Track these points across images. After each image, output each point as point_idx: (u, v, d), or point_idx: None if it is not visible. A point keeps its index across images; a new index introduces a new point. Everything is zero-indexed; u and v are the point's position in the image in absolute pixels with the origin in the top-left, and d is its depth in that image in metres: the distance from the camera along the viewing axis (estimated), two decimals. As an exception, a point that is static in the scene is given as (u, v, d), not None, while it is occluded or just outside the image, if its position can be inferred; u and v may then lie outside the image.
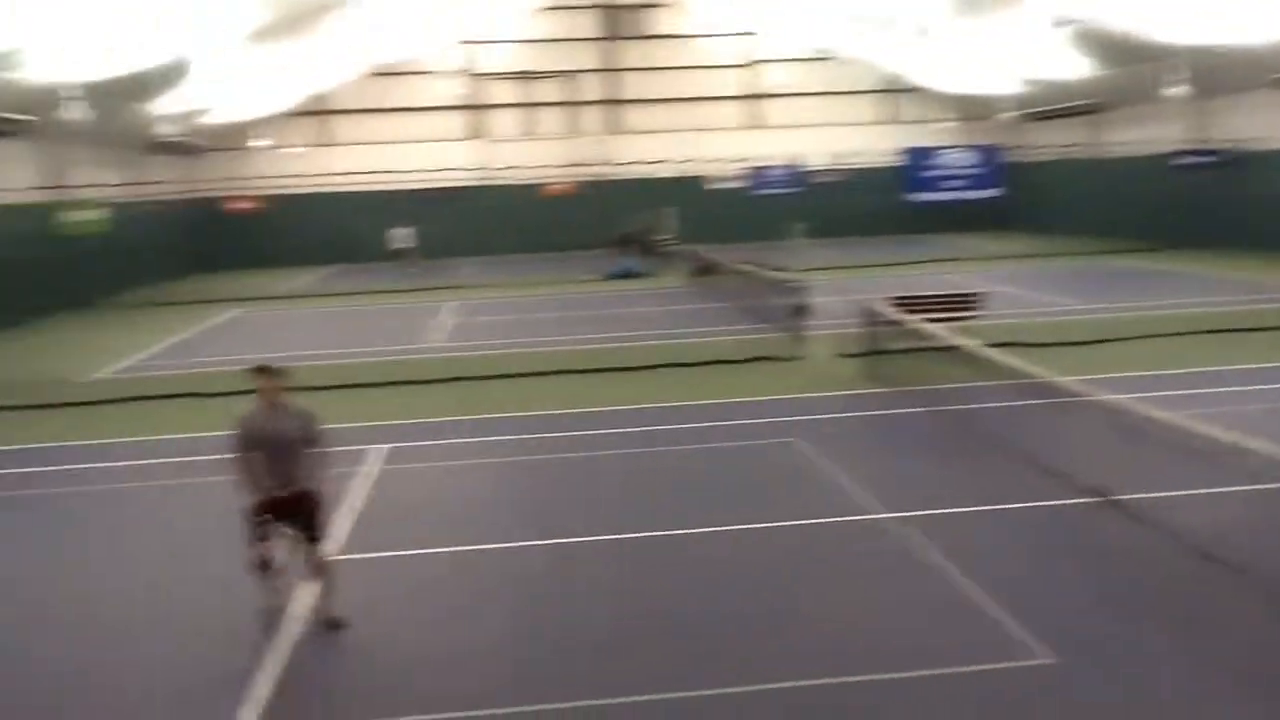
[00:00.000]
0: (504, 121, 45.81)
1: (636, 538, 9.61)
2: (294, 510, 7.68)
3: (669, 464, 12.07)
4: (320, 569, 7.88)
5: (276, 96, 39.03)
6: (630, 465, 12.07)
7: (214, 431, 13.87)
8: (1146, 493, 9.47)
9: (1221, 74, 31.46)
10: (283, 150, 41.93)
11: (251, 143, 40.61)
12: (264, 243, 44.01)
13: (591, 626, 7.74)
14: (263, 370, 7.79)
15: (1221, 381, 14.73)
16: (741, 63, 46.39)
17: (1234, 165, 33.71)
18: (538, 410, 14.93)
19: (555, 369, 17.74)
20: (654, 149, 45.78)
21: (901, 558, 8.79)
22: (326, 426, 7.86)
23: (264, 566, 7.70)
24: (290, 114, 42.30)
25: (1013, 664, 6.84)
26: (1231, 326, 18.90)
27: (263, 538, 7.66)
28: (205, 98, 33.35)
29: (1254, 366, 15.59)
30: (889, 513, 9.82)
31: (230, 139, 41.91)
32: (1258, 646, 6.93)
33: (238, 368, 18.49)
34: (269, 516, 7.64)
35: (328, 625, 7.81)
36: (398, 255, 37.80)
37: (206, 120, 36.80)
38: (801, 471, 11.45)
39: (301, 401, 7.80)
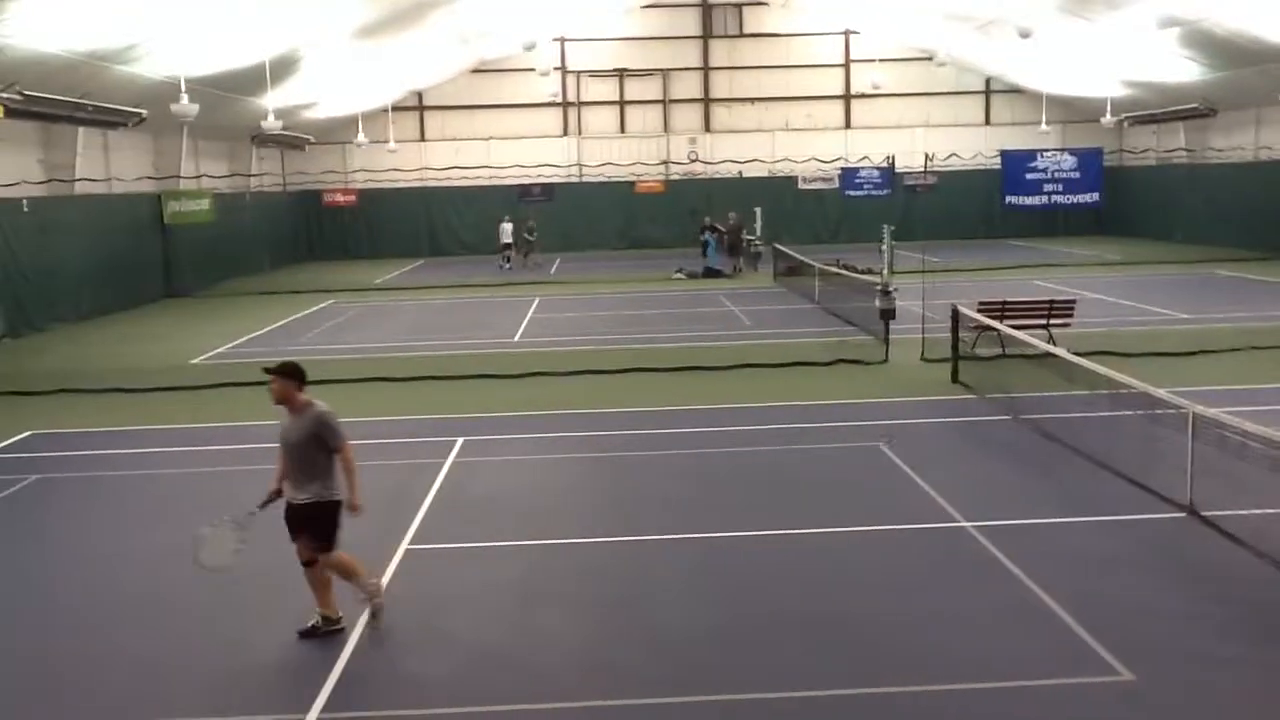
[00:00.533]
0: (599, 118, 46.10)
1: (713, 537, 9.65)
2: (303, 518, 7.46)
3: (749, 464, 12.08)
4: (320, 582, 7.59)
5: (378, 92, 39.84)
6: (710, 465, 12.11)
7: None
8: (1238, 509, 9.22)
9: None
10: (381, 145, 42.73)
11: (354, 138, 41.46)
12: (359, 235, 44.94)
13: (666, 626, 7.79)
14: (267, 370, 7.64)
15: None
16: (838, 62, 46.01)
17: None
18: (617, 408, 15.05)
19: (637, 366, 17.84)
20: (747, 148, 45.67)
21: (982, 566, 8.70)
22: (339, 423, 7.40)
23: (306, 564, 7.56)
24: (391, 109, 43.11)
25: (1091, 679, 6.74)
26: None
27: (294, 539, 7.56)
28: (311, 93, 34.19)
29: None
30: (971, 521, 9.72)
31: (333, 133, 42.87)
32: None
33: (324, 356, 19.26)
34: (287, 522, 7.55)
35: (370, 617, 7.74)
36: (505, 249, 37.92)
37: (311, 115, 37.72)
38: (885, 476, 11.38)
39: (322, 403, 7.60)
